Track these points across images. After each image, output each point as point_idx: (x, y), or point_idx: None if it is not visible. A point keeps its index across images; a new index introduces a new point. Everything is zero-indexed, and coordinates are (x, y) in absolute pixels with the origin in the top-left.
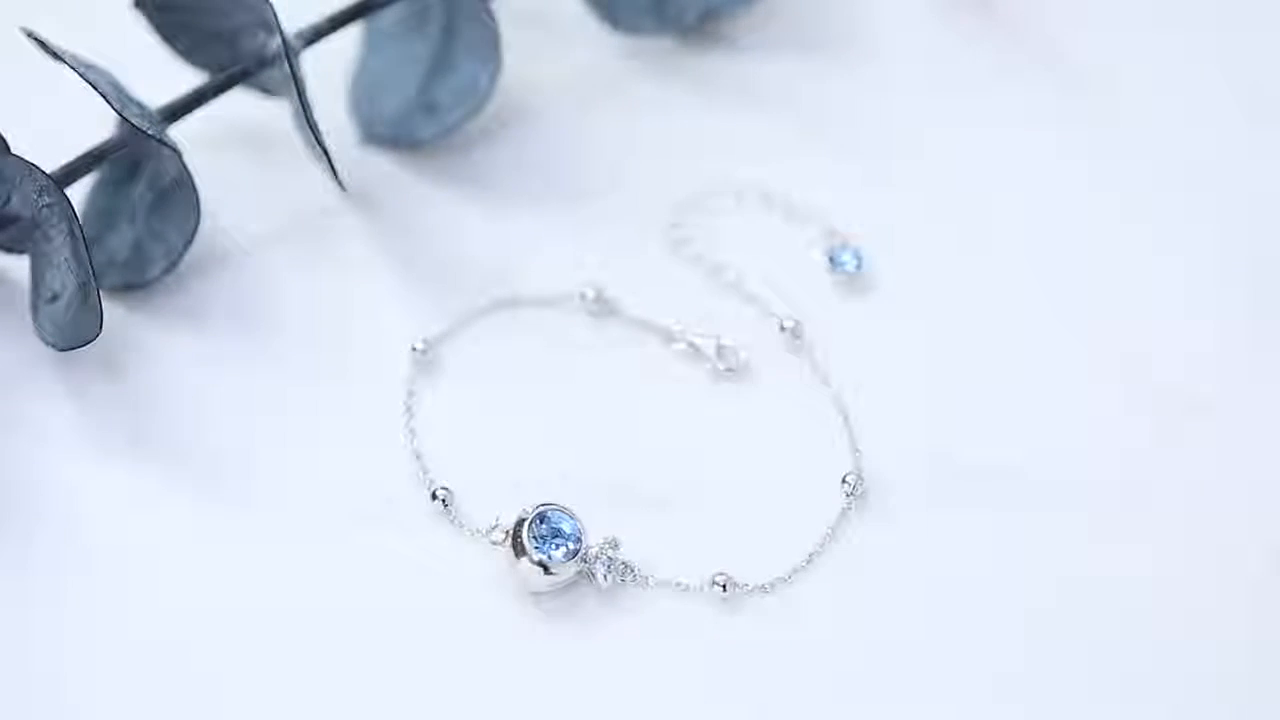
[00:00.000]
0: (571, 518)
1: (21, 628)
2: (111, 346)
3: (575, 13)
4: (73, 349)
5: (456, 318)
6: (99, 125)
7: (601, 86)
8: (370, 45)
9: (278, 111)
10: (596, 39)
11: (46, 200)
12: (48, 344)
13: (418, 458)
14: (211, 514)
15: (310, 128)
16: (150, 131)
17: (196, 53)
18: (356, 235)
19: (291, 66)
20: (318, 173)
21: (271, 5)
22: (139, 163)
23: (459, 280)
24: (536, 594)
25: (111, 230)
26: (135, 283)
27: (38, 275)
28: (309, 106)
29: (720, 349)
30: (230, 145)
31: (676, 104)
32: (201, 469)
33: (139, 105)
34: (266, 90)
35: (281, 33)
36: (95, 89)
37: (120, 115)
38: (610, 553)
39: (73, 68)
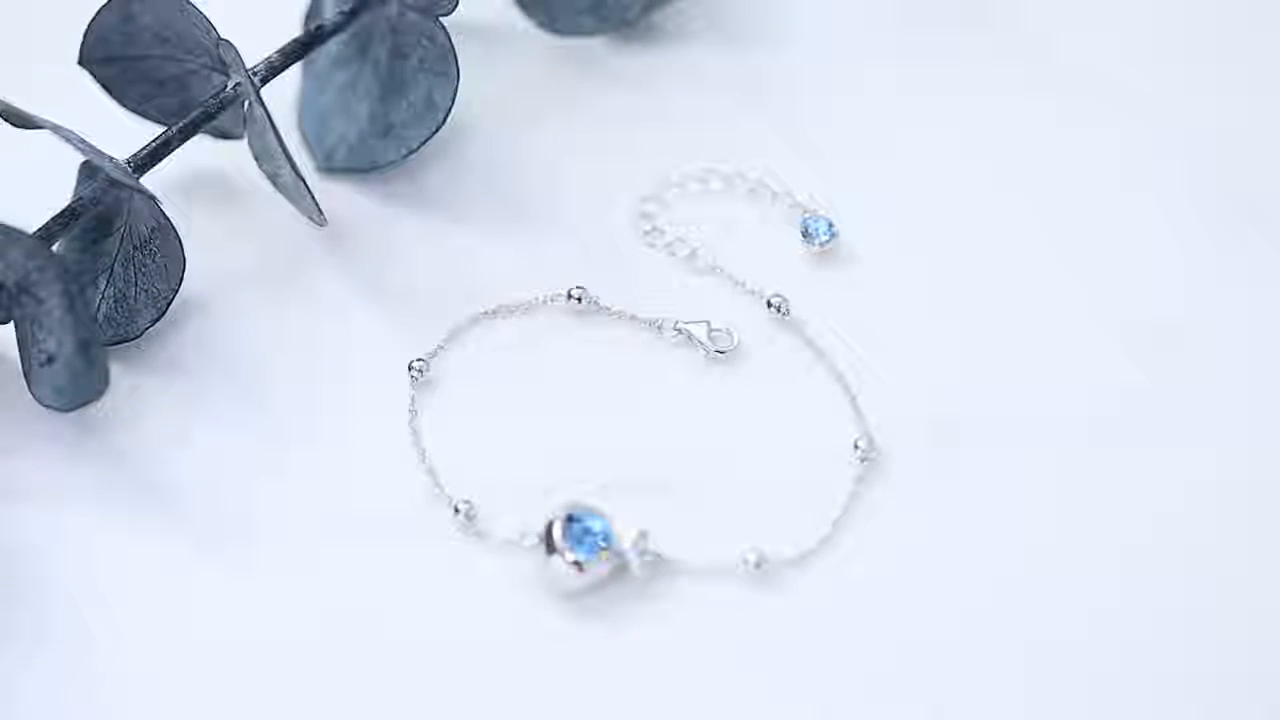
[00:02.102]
0: (600, 515)
1: (37, 689)
2: (106, 401)
3: (510, 18)
4: (77, 408)
5: (445, 333)
6: (50, 188)
7: (548, 91)
8: (313, 77)
9: (226, 154)
10: (536, 44)
11: (36, 263)
12: (49, 407)
13: (432, 475)
14: (233, 560)
15: (288, 161)
16: (130, 183)
17: (146, 103)
18: (330, 266)
19: (262, 103)
20: (280, 210)
21: (232, 44)
22: (111, 218)
23: (440, 297)
24: (572, 594)
25: (89, 287)
26: (124, 336)
27: (27, 340)
28: (284, 141)
29: (712, 332)
30: (183, 191)
31: (625, 100)
32: (215, 516)
33: (111, 159)
34: (221, 133)
35: (246, 70)
36: (76, 147)
37: (101, 170)
38: (642, 544)
39: (50, 128)
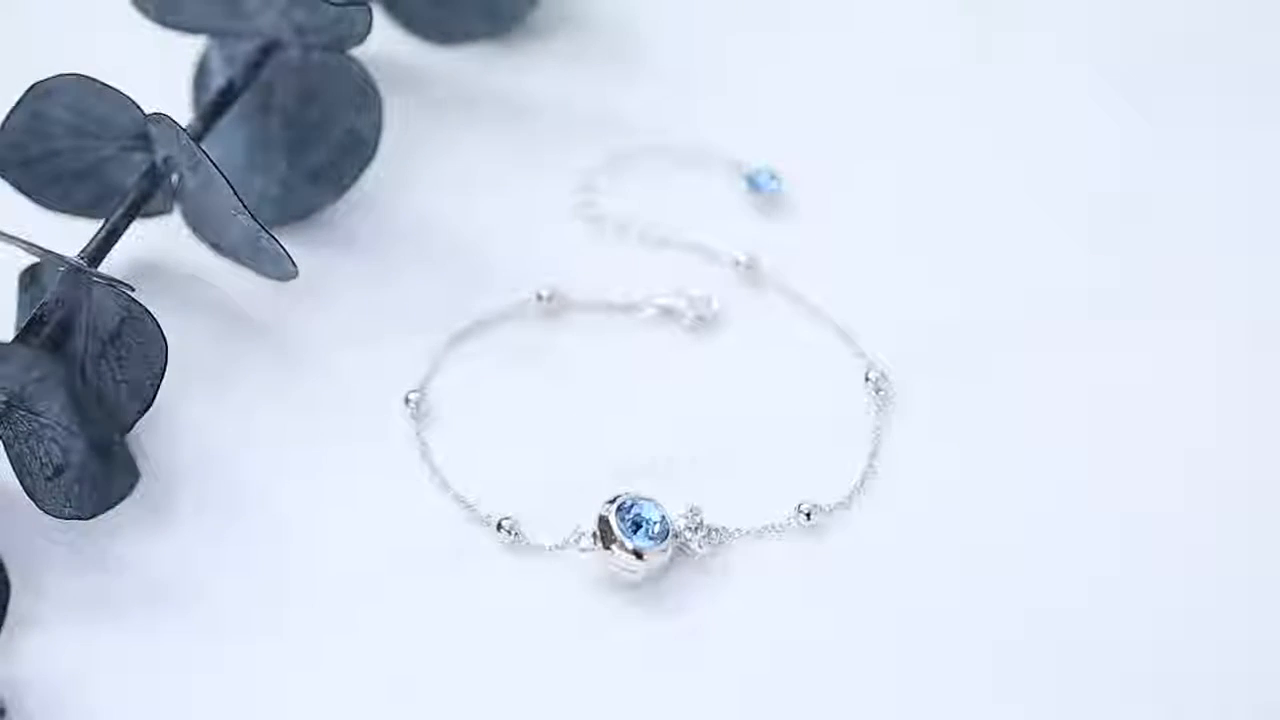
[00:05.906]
0: (650, 501)
1: None
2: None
3: (384, 41)
4: (103, 512)
5: (428, 362)
6: None
7: (447, 105)
8: (213, 140)
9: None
10: (419, 61)
11: (35, 375)
12: (68, 519)
13: (461, 500)
14: (284, 649)
15: (248, 214)
16: (102, 278)
17: (66, 199)
18: (290, 324)
19: (211, 161)
20: (226, 278)
21: (165, 114)
22: (68, 320)
23: (409, 329)
24: (637, 583)
25: None
26: None
27: (24, 457)
28: (243, 199)
29: (691, 301)
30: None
31: (526, 98)
32: (250, 605)
33: (69, 258)
34: (149, 212)
35: (186, 133)
36: (32, 251)
37: (72, 267)
38: (696, 520)
39: (11, 240)
